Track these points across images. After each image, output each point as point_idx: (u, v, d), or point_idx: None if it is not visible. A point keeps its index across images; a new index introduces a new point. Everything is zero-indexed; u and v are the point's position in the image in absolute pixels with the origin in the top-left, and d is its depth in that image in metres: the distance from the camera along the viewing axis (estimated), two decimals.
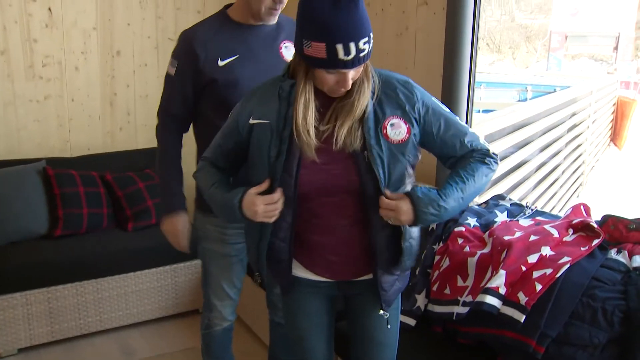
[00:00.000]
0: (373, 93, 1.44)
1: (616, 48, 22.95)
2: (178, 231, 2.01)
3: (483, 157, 1.52)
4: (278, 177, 1.46)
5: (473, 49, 2.98)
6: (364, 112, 1.42)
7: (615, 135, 11.47)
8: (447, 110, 1.54)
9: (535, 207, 2.32)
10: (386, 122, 1.45)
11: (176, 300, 3.19)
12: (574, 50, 24.14)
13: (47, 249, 2.93)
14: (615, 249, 1.96)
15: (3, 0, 3.15)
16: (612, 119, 11.20)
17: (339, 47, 1.29)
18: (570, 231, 2.00)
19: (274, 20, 1.93)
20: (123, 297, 3.02)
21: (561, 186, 6.96)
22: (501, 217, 2.26)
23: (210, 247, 2.06)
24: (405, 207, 1.43)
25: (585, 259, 1.90)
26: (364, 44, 1.31)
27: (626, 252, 1.94)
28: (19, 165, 3.11)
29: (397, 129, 1.45)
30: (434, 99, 1.53)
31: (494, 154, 1.55)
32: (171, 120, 2.00)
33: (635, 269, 1.87)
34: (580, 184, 8.30)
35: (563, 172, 6.96)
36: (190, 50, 1.87)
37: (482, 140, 1.56)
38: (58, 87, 3.41)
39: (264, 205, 1.45)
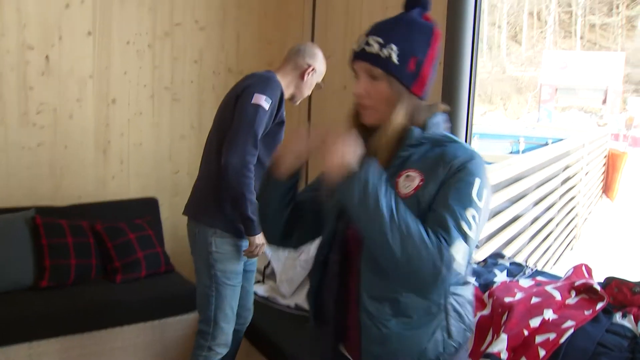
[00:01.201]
0: (412, 145, 1.31)
1: (605, 101, 23.41)
2: None
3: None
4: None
5: (470, 102, 2.99)
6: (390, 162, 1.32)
7: (607, 187, 11.52)
8: (473, 198, 1.24)
9: (535, 266, 2.27)
10: (404, 172, 1.30)
11: (165, 356, 3.07)
12: (564, 103, 24.60)
13: (31, 300, 2.82)
14: (620, 313, 1.91)
15: (1, 47, 3.15)
16: (604, 171, 11.27)
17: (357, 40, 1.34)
18: (573, 293, 1.95)
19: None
20: (109, 352, 2.90)
21: (555, 239, 6.92)
22: (500, 277, 2.21)
23: (227, 268, 2.30)
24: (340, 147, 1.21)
25: (589, 324, 1.84)
26: (375, 42, 1.29)
27: (632, 317, 1.89)
28: (8, 214, 3.04)
29: (409, 182, 1.29)
30: (474, 189, 1.25)
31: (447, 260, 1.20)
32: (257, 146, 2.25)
33: None
34: (574, 237, 8.27)
35: (557, 225, 6.94)
36: (280, 97, 2.30)
37: (455, 247, 1.20)
38: (51, 134, 3.38)
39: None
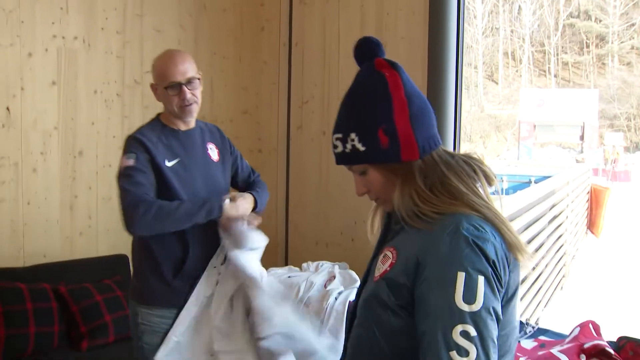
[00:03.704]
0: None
1: (582, 137, 23.74)
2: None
3: None
4: None
5: (456, 143, 2.90)
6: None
7: (591, 224, 11.46)
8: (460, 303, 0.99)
9: (537, 324, 2.08)
10: (385, 249, 1.16)
11: None
12: (543, 139, 24.91)
13: None
14: None
15: None
16: (587, 207, 11.23)
17: None
18: (583, 358, 1.76)
19: (192, 116, 2.11)
20: None
21: (545, 280, 6.76)
22: None
23: (154, 341, 2.04)
24: None
25: None
26: (336, 140, 1.15)
27: None
28: None
29: (384, 263, 1.13)
30: (458, 290, 0.99)
31: None
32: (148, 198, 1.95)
33: None
34: (563, 276, 8.13)
35: (546, 266, 6.79)
36: (144, 147, 1.99)
37: None
38: (13, 190, 3.16)
39: None
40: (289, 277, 2.91)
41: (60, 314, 2.87)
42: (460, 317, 0.97)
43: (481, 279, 0.99)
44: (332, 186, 3.66)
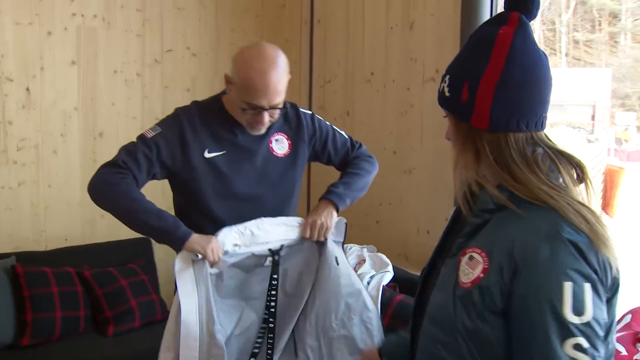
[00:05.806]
0: (488, 210, 1.04)
1: (594, 116, 23.45)
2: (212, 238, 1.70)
3: None
4: None
5: None
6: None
7: (605, 204, 11.34)
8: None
9: None
10: (469, 249, 1.02)
11: None
12: (553, 119, 24.62)
13: None
14: None
15: None
16: (602, 188, 11.11)
17: None
18: None
19: (260, 132, 1.84)
20: None
21: None
22: None
23: None
24: None
25: None
26: (442, 82, 1.08)
27: None
28: None
29: (473, 268, 1.00)
30: (566, 301, 0.91)
31: None
32: (129, 174, 1.72)
33: None
34: None
35: None
36: (180, 132, 1.78)
37: None
38: (33, 172, 3.11)
39: None
40: None
41: (86, 298, 2.84)
42: (572, 330, 0.90)
43: (587, 287, 0.91)
44: None
